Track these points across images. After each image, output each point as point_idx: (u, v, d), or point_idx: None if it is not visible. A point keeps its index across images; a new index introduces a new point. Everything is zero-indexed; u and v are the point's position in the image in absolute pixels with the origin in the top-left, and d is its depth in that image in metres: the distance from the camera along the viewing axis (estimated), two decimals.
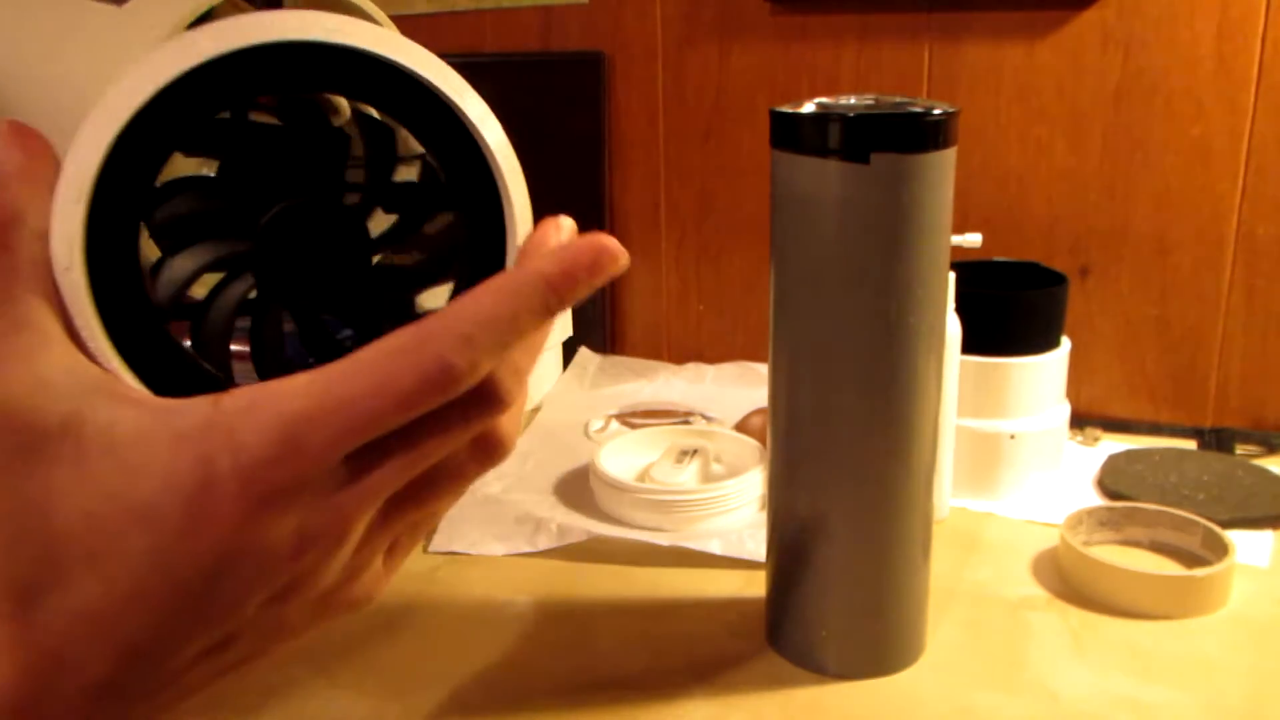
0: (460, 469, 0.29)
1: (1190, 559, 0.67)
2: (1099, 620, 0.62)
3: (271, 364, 0.32)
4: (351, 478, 0.26)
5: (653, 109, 1.04)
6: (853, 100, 0.52)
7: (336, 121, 0.35)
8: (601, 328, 1.09)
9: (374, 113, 0.35)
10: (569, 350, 1.05)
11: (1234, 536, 0.66)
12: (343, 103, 0.35)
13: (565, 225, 0.33)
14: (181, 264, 0.30)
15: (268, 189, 0.31)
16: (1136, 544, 0.70)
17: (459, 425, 0.27)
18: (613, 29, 1.03)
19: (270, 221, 0.31)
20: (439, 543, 0.72)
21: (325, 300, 0.33)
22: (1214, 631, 0.60)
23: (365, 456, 0.26)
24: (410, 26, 1.16)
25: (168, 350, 0.29)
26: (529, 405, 0.99)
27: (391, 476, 0.27)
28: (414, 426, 0.26)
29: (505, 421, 0.29)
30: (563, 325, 1.02)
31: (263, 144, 0.32)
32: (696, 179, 1.04)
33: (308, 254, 0.32)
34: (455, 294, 0.32)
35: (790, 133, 0.51)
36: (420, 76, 0.33)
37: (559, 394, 1.00)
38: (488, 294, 0.27)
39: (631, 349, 1.11)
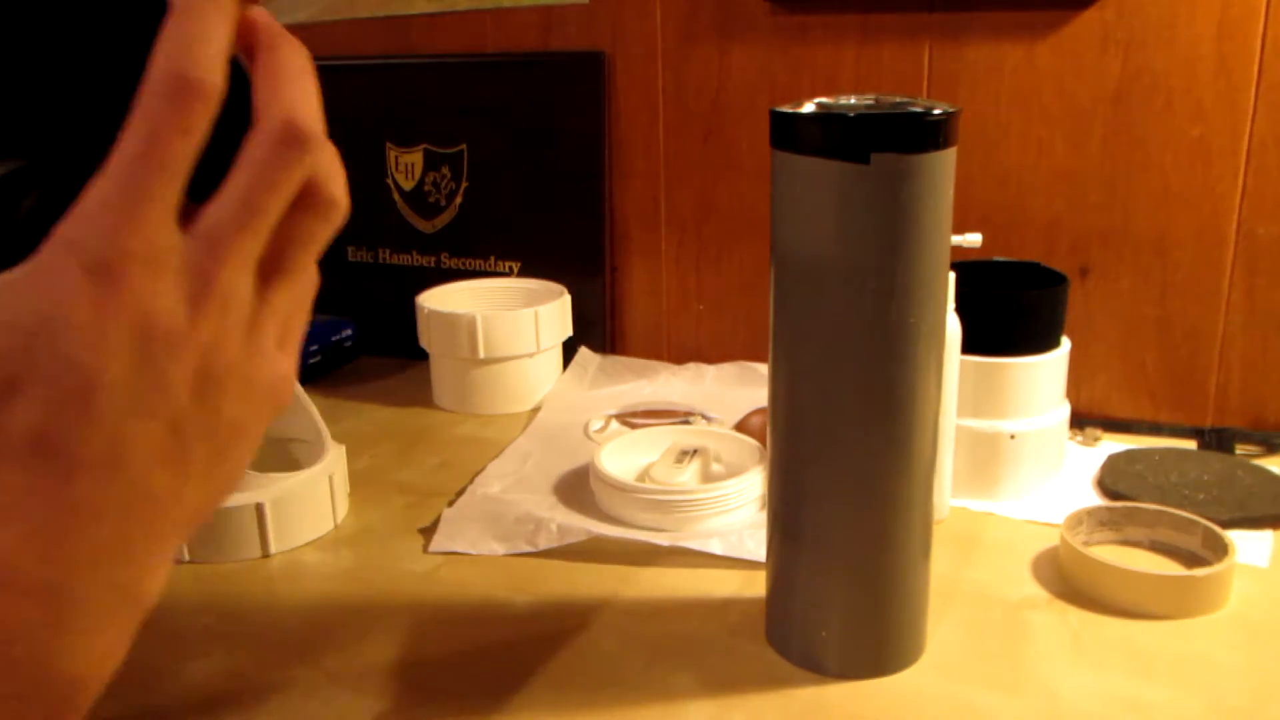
0: (304, 230, 0.31)
1: (1190, 559, 0.67)
2: (1099, 620, 0.62)
3: None
4: (199, 240, 0.29)
5: (653, 109, 1.04)
6: (853, 100, 0.52)
7: None
8: (601, 328, 1.09)
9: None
10: (569, 350, 1.05)
11: (1234, 536, 0.66)
12: None
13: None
14: None
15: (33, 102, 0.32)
16: (1136, 544, 0.70)
17: (268, 168, 0.30)
18: (613, 29, 1.03)
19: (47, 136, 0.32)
20: (439, 543, 0.72)
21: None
22: (1214, 631, 0.60)
23: (203, 221, 0.29)
24: (410, 26, 1.17)
25: None
26: (528, 406, 0.99)
27: (231, 229, 0.29)
28: (231, 181, 0.29)
29: (323, 171, 0.31)
30: (563, 325, 1.02)
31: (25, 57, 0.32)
32: (696, 179, 1.04)
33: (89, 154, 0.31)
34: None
35: (790, 133, 0.51)
36: None
37: (559, 394, 1.00)
38: (290, 74, 0.31)
39: (631, 349, 1.11)
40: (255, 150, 0.29)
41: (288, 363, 0.33)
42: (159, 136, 0.28)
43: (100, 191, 0.28)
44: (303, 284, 0.33)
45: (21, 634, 0.27)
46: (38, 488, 0.27)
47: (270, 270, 0.31)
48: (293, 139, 0.30)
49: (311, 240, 0.32)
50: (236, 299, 0.30)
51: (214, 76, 0.28)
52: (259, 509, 0.71)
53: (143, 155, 0.28)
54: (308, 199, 0.31)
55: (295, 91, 0.31)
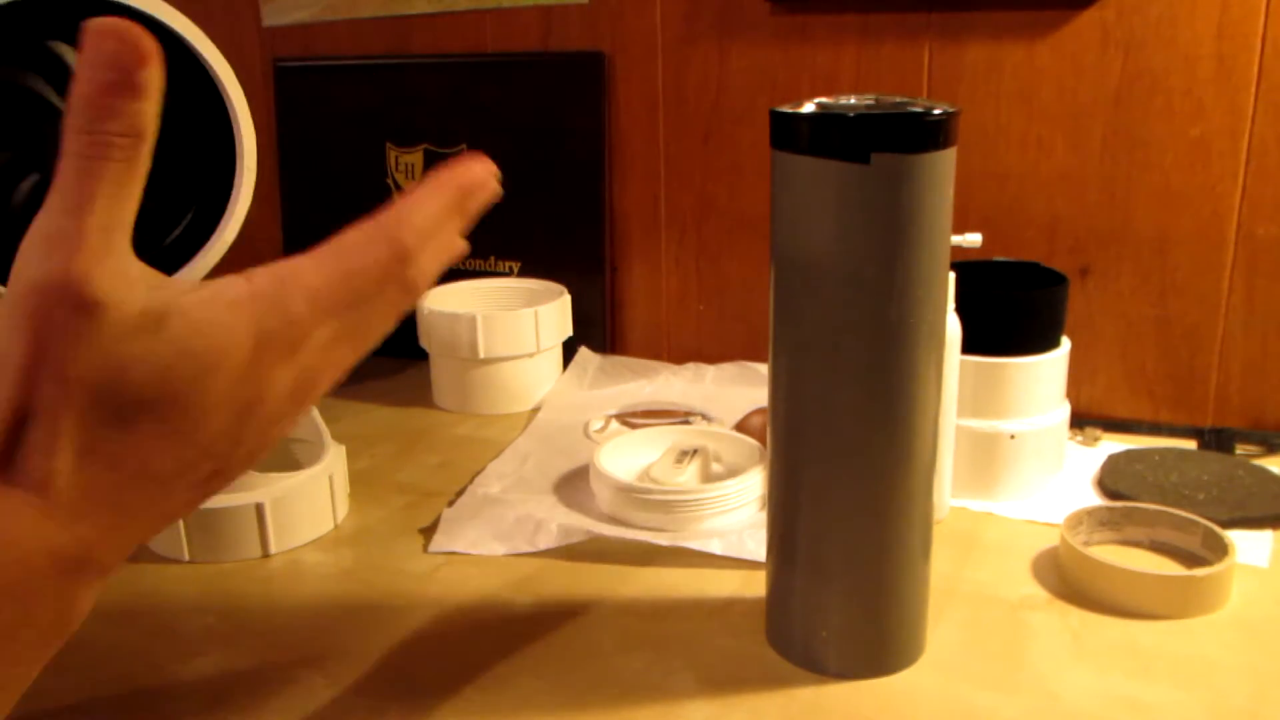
0: (377, 326, 0.39)
1: (1190, 559, 0.67)
2: (1099, 620, 0.62)
3: None
4: (328, 341, 0.36)
5: (653, 109, 1.04)
6: (853, 100, 0.52)
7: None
8: (601, 328, 1.09)
9: None
10: (569, 350, 1.05)
11: (1234, 536, 0.66)
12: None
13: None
14: None
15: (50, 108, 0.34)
16: (1136, 544, 0.70)
17: (386, 307, 0.38)
18: (613, 29, 1.03)
19: (54, 129, 0.34)
20: (439, 543, 0.72)
21: None
22: (1214, 631, 0.60)
23: (334, 325, 0.36)
24: (410, 26, 1.17)
25: None
26: (528, 406, 0.99)
27: (347, 342, 0.37)
28: (365, 301, 0.37)
29: (420, 272, 0.39)
30: (563, 325, 1.02)
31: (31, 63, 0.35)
32: (696, 179, 1.04)
33: None
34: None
35: (790, 133, 0.51)
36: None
37: (559, 394, 1.00)
38: (432, 195, 0.37)
39: (631, 349, 1.11)
40: (360, 248, 0.36)
41: (291, 425, 0.38)
42: (369, 269, 0.36)
43: (317, 278, 0.35)
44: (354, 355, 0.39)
45: (64, 592, 0.32)
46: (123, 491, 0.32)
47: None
48: (397, 250, 0.36)
49: (377, 333, 0.38)
50: (312, 363, 0.36)
51: (420, 257, 0.37)
52: (259, 509, 0.71)
53: (354, 271, 0.36)
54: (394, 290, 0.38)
55: (420, 213, 0.37)
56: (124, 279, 0.31)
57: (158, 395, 0.32)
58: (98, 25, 0.30)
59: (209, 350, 0.32)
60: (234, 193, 0.41)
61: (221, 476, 0.36)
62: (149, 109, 0.31)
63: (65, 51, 0.36)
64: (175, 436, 0.33)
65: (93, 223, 0.31)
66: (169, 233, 0.40)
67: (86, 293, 0.30)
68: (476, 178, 0.39)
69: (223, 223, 0.41)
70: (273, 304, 0.33)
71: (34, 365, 0.31)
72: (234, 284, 0.33)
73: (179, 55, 0.39)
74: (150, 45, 0.31)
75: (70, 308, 0.30)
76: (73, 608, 0.32)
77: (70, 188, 0.31)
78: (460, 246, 0.39)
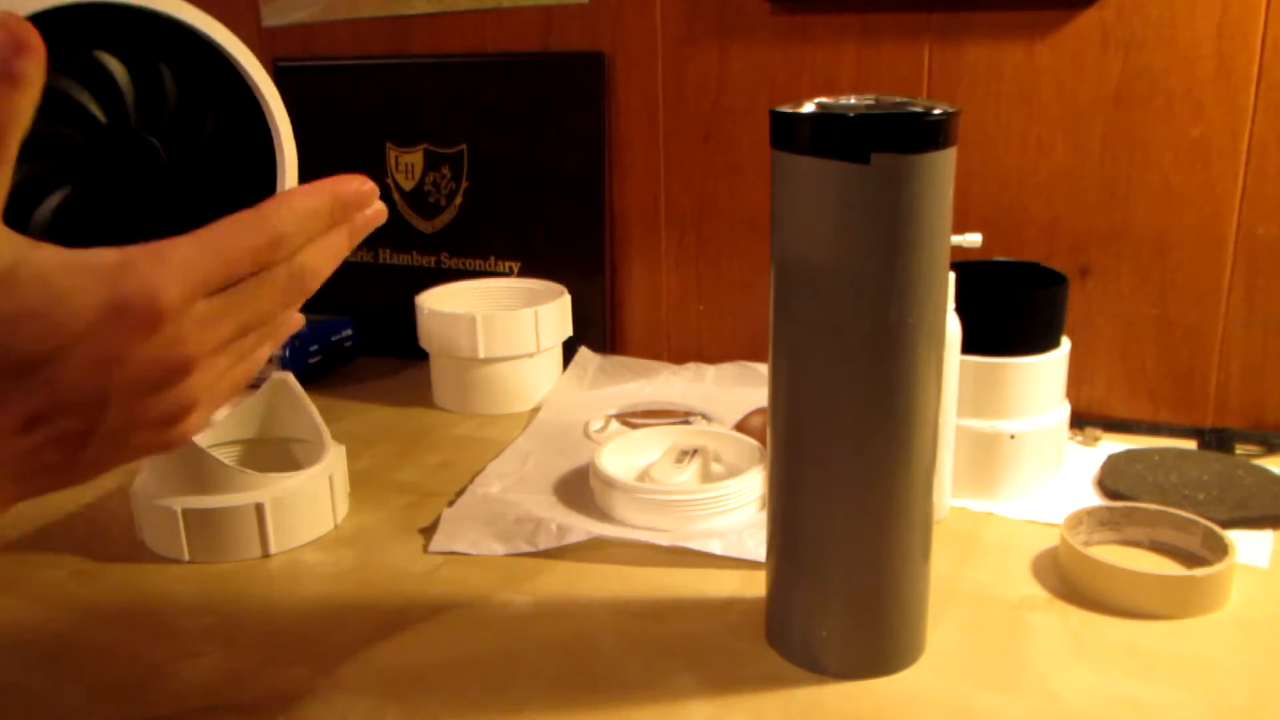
0: (267, 318, 0.39)
1: (1190, 559, 0.67)
2: (1099, 620, 0.62)
3: None
4: (204, 316, 0.36)
5: (653, 109, 1.04)
6: (853, 100, 0.52)
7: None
8: (601, 328, 1.09)
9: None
10: (569, 350, 1.05)
11: (1234, 536, 0.66)
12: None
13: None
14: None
15: (79, 118, 0.35)
16: (1136, 544, 0.70)
17: (270, 291, 0.38)
18: (613, 29, 1.03)
19: (90, 141, 0.35)
20: (439, 543, 0.72)
21: (128, 209, 0.38)
22: (1214, 631, 0.60)
23: (213, 303, 0.36)
24: (410, 26, 1.17)
25: None
26: (528, 406, 0.99)
27: (228, 323, 0.37)
28: (245, 285, 0.37)
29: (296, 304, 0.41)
30: (563, 325, 1.02)
31: (82, 80, 0.36)
32: (696, 179, 1.04)
33: (117, 174, 0.37)
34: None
35: (790, 133, 0.51)
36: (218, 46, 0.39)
37: (559, 394, 1.00)
38: (305, 192, 0.38)
39: (631, 349, 1.11)
40: (240, 228, 0.36)
41: (204, 389, 0.39)
42: (244, 247, 0.36)
43: (190, 251, 0.35)
44: (250, 360, 0.40)
45: None
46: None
47: (229, 343, 0.38)
48: (270, 237, 0.37)
49: (274, 291, 0.39)
50: (194, 366, 0.37)
51: (293, 247, 0.38)
52: (259, 509, 0.71)
53: (230, 249, 0.36)
54: (287, 267, 0.39)
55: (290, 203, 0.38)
56: None
57: (8, 352, 0.33)
58: None
59: (54, 308, 0.33)
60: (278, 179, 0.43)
61: (100, 439, 0.36)
62: (21, 99, 0.31)
63: (110, 63, 0.37)
64: (24, 390, 0.33)
65: None
66: None
67: None
68: (354, 188, 0.40)
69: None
70: (138, 272, 0.34)
71: None
72: (105, 252, 0.34)
73: (222, 72, 0.40)
74: (33, 40, 0.31)
75: None
76: None
77: None
78: (345, 251, 0.41)
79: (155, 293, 0.34)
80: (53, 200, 0.36)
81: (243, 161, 0.41)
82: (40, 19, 0.33)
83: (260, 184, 0.42)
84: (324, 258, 0.40)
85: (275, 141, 0.42)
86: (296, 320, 0.43)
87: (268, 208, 0.37)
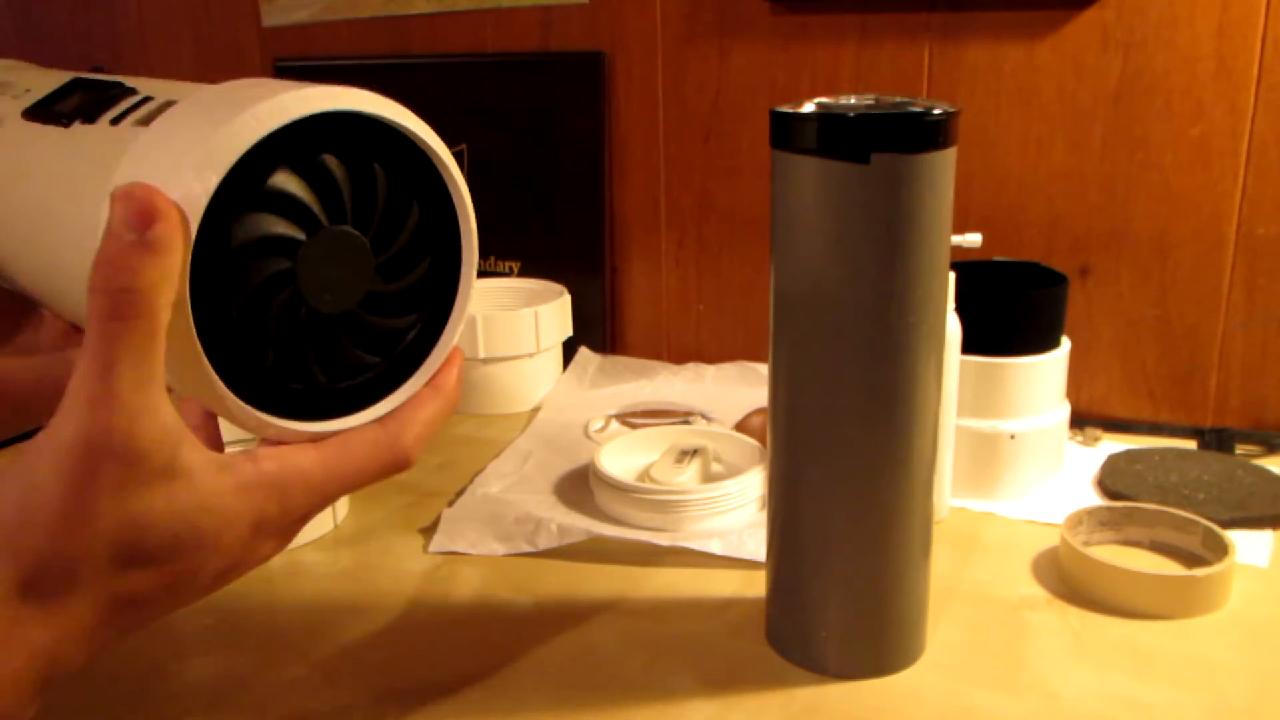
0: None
1: (1190, 559, 0.67)
2: (1099, 620, 0.62)
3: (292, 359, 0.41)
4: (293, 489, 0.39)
5: (653, 109, 1.04)
6: (853, 100, 0.52)
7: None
8: (601, 328, 1.09)
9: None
10: (569, 350, 1.05)
11: (1234, 536, 0.66)
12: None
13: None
14: (249, 229, 0.37)
15: (314, 222, 0.39)
16: (1136, 544, 0.70)
17: (371, 476, 0.41)
18: (613, 29, 1.03)
19: (311, 243, 0.39)
20: (439, 543, 0.72)
21: (343, 310, 0.41)
22: (1214, 631, 0.60)
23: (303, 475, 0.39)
24: (410, 26, 1.17)
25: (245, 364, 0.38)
26: (528, 406, 0.99)
27: (318, 502, 0.40)
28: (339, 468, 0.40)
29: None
30: (563, 325, 1.02)
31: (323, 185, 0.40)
32: (696, 179, 1.04)
33: (335, 267, 0.40)
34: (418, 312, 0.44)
35: (790, 133, 0.51)
36: (430, 149, 0.43)
37: (559, 394, 1.00)
38: (432, 400, 0.42)
39: (631, 349, 1.11)
40: (365, 453, 0.40)
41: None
42: (368, 475, 0.41)
43: (317, 476, 0.39)
44: None
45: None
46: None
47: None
48: (398, 462, 0.41)
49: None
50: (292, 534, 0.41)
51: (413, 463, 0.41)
52: None
53: (353, 475, 0.40)
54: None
55: (422, 421, 0.42)
56: (160, 429, 0.34)
57: (165, 556, 0.35)
58: (116, 190, 0.34)
59: (212, 527, 0.36)
60: (458, 299, 0.45)
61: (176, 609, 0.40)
62: (163, 264, 0.33)
63: (333, 165, 0.39)
64: (167, 591, 0.36)
65: (123, 384, 0.33)
66: (400, 342, 0.44)
67: (129, 444, 0.34)
68: (461, 365, 0.44)
69: (449, 327, 0.45)
70: (275, 494, 0.37)
71: (72, 514, 0.34)
72: (243, 467, 0.37)
73: (420, 165, 0.43)
74: (163, 204, 0.33)
75: (114, 460, 0.33)
76: (26, 709, 0.35)
77: (95, 350, 0.33)
78: None
79: (289, 509, 0.38)
80: (281, 297, 0.39)
81: (433, 246, 0.44)
82: (280, 128, 0.36)
83: (446, 265, 0.45)
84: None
85: (463, 229, 0.46)
86: None
87: (398, 431, 0.40)
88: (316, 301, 0.40)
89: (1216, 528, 0.66)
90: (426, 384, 0.43)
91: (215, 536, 0.36)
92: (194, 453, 0.36)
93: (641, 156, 1.06)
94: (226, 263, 0.37)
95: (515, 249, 1.11)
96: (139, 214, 0.33)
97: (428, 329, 0.45)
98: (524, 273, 1.11)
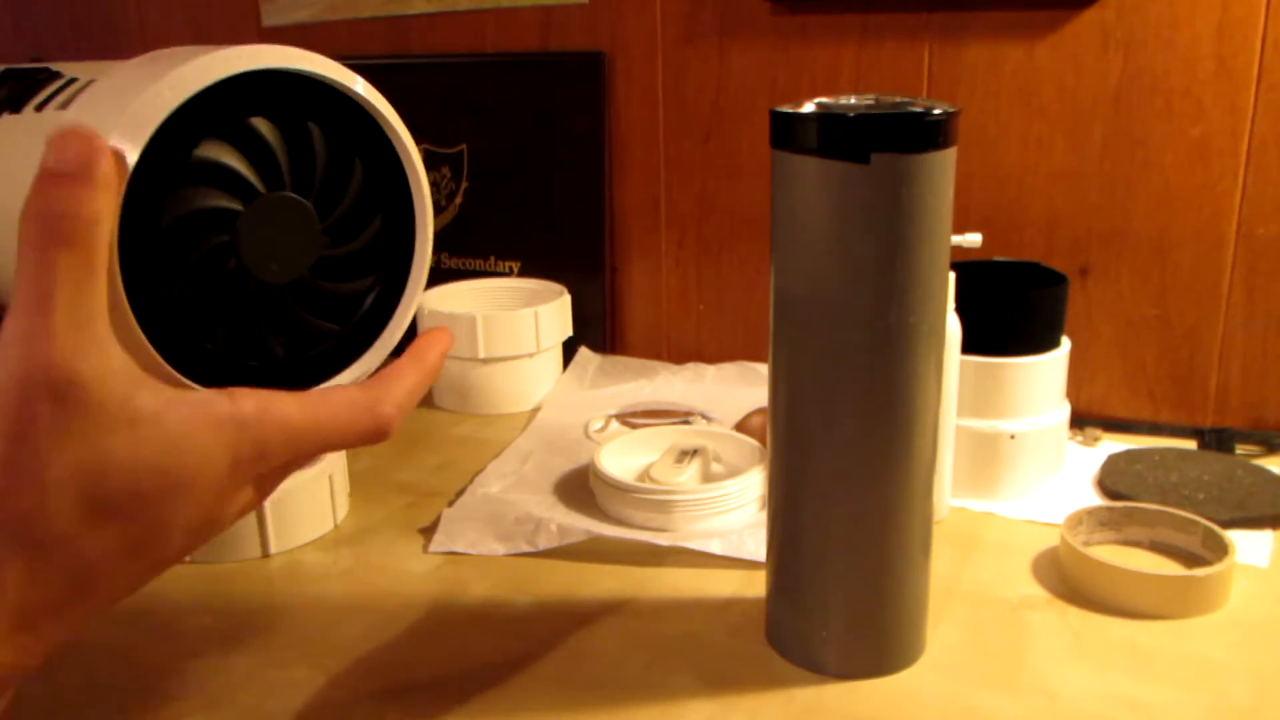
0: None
1: (1190, 559, 0.67)
2: (1099, 620, 0.62)
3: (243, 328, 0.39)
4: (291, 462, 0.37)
5: (653, 109, 1.04)
6: (853, 100, 0.52)
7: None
8: (601, 328, 1.09)
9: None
10: (569, 350, 1.05)
11: (1234, 536, 0.66)
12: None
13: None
14: (180, 204, 0.36)
15: (249, 190, 0.37)
16: (1136, 544, 0.70)
17: (346, 436, 0.38)
18: (613, 29, 1.03)
19: (250, 211, 0.37)
20: (439, 543, 0.72)
21: (289, 278, 0.40)
22: (1214, 631, 0.60)
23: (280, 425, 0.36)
24: (410, 26, 1.17)
25: (174, 325, 0.36)
26: (528, 406, 0.99)
27: (288, 454, 0.37)
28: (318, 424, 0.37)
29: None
30: (563, 325, 1.02)
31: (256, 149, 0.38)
32: (696, 179, 1.04)
33: (276, 240, 0.38)
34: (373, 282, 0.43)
35: (790, 133, 0.51)
36: (372, 107, 0.42)
37: (559, 394, 1.00)
38: (413, 371, 0.40)
39: (631, 349, 1.11)
40: (345, 412, 0.37)
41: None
42: (348, 432, 0.38)
43: (297, 418, 0.37)
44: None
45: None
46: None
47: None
48: (376, 430, 0.38)
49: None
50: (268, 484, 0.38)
51: (393, 428, 0.39)
52: (259, 509, 0.71)
53: (332, 430, 0.38)
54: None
55: (403, 391, 0.40)
56: (106, 368, 0.31)
57: (131, 506, 0.32)
58: (55, 132, 0.32)
59: (182, 468, 0.33)
60: (415, 256, 0.43)
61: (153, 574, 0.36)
62: (100, 199, 0.31)
63: (263, 128, 0.38)
64: (135, 550, 0.33)
65: (60, 316, 0.30)
66: (359, 308, 0.42)
67: (69, 379, 0.30)
68: (447, 346, 0.43)
69: (409, 287, 0.44)
70: (252, 435, 0.34)
71: (15, 461, 0.31)
72: (218, 401, 0.34)
73: (361, 122, 0.42)
74: (103, 144, 0.32)
75: (53, 399, 0.30)
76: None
77: (29, 282, 0.30)
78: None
79: (266, 452, 0.35)
80: (223, 272, 0.38)
81: (384, 206, 0.42)
82: (202, 93, 0.35)
83: (400, 225, 0.43)
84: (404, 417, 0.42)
85: (413, 185, 0.43)
86: None
87: (379, 394, 0.38)
88: (262, 272, 0.38)
89: (1216, 528, 0.66)
90: (408, 355, 0.41)
91: (187, 479, 0.33)
92: (155, 394, 0.33)
93: (641, 156, 1.06)
94: (160, 241, 0.35)
95: (515, 249, 1.11)
96: (78, 151, 0.31)
97: (387, 291, 0.43)
98: (524, 273, 1.11)
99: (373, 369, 0.42)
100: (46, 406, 0.30)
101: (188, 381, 0.36)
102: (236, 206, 0.37)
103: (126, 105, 0.33)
